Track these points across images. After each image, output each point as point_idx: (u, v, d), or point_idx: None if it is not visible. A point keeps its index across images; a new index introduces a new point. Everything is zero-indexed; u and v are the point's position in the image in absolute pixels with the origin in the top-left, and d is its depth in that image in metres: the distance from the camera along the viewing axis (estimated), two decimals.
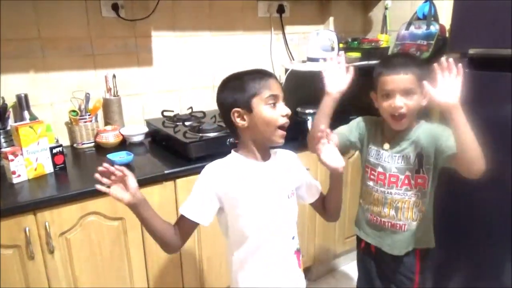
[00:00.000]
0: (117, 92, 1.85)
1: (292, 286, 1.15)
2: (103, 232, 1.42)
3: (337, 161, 1.08)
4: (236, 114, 1.04)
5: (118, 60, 1.87)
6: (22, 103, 1.60)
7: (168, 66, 2.01)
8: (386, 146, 1.32)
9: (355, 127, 1.40)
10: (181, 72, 2.05)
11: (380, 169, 1.33)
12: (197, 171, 1.53)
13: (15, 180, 1.38)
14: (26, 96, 1.62)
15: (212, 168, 1.07)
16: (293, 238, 1.14)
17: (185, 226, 1.05)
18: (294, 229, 1.15)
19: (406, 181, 1.29)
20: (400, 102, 1.20)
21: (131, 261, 1.50)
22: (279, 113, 1.05)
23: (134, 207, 0.98)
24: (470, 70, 1.53)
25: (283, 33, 2.33)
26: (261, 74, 1.06)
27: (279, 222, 1.09)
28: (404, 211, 1.31)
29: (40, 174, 1.45)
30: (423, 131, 1.28)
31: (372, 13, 2.55)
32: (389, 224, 1.34)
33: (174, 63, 2.03)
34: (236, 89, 1.04)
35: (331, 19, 2.45)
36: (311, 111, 1.97)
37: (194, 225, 1.05)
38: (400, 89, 1.20)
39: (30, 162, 1.42)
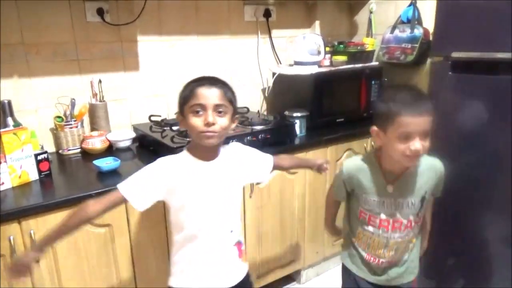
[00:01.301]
0: (103, 97, 1.83)
1: (230, 275, 1.23)
2: (90, 240, 1.40)
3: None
4: (178, 117, 1.17)
5: (103, 65, 1.85)
6: (6, 109, 1.57)
7: (154, 70, 2.00)
8: (390, 188, 1.24)
9: (340, 179, 1.32)
10: (168, 77, 2.04)
11: (383, 216, 1.26)
12: None
13: None
14: (9, 102, 1.59)
15: (164, 161, 1.15)
16: (231, 231, 1.21)
17: (113, 199, 1.11)
18: (234, 223, 1.22)
19: (409, 224, 1.26)
20: (420, 145, 1.11)
21: (119, 269, 1.48)
22: (203, 121, 1.09)
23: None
24: (453, 73, 1.56)
25: (270, 37, 2.34)
26: (196, 83, 1.12)
27: (216, 218, 1.17)
28: (404, 249, 1.31)
29: (24, 182, 1.43)
30: (426, 164, 1.24)
31: (357, 17, 2.58)
32: (387, 262, 1.31)
33: (160, 67, 2.02)
34: (180, 94, 1.15)
35: (317, 22, 2.47)
36: (298, 114, 1.98)
37: (122, 201, 1.12)
38: (421, 132, 1.11)
39: (14, 170, 1.39)
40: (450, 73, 1.56)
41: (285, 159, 1.48)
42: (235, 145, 1.29)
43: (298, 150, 1.90)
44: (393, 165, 1.21)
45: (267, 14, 2.28)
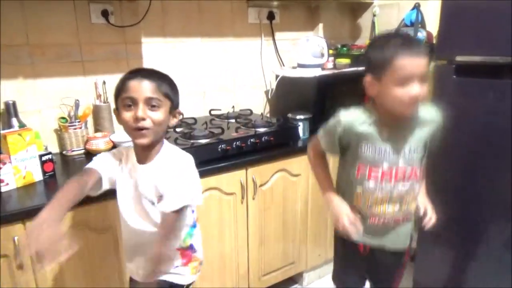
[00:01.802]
0: (107, 99, 1.84)
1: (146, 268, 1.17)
2: (93, 241, 1.40)
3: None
4: (114, 112, 1.15)
5: (107, 66, 1.85)
6: (10, 110, 1.58)
7: None
8: (390, 135, 1.19)
9: (335, 131, 1.23)
10: (172, 78, 2.04)
11: (385, 166, 1.20)
12: None
13: (3, 189, 1.36)
14: (14, 103, 1.59)
15: (120, 148, 1.21)
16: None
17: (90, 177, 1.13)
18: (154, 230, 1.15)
19: (413, 173, 1.22)
20: (419, 89, 1.07)
21: (121, 270, 1.48)
22: (133, 115, 1.05)
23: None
24: (457, 77, 1.56)
25: (273, 39, 2.34)
26: (130, 75, 1.08)
27: (137, 221, 1.15)
28: (408, 204, 1.26)
29: (29, 182, 1.43)
30: (426, 113, 1.20)
31: (360, 20, 2.58)
32: (393, 220, 1.26)
33: (164, 69, 1.97)
34: (115, 86, 1.11)
35: (321, 25, 2.47)
36: (301, 116, 1.99)
37: (93, 171, 1.13)
38: (419, 74, 1.06)
39: (18, 170, 1.40)
40: (454, 76, 1.56)
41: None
42: (181, 158, 1.14)
43: (301, 152, 1.90)
44: (390, 114, 1.15)
45: (270, 16, 2.28)
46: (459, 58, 1.53)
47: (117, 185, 1.18)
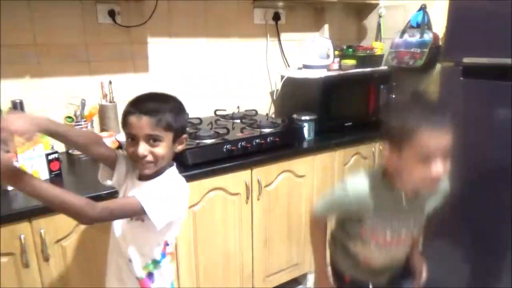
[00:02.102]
0: (113, 99, 1.85)
1: None
2: (98, 240, 1.40)
3: None
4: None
5: (114, 66, 1.86)
6: (17, 109, 1.59)
7: (164, 72, 2.01)
8: (395, 210, 1.11)
9: (342, 204, 1.15)
10: (177, 79, 2.05)
11: (388, 235, 1.14)
12: (194, 178, 1.55)
13: (10, 187, 1.36)
14: (21, 102, 1.60)
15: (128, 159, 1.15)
16: (130, 261, 1.11)
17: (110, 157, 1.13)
18: (134, 254, 1.11)
19: (413, 237, 1.21)
20: (443, 168, 0.95)
21: None
22: (136, 150, 1.03)
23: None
24: (465, 79, 1.55)
25: (279, 40, 2.34)
26: (130, 108, 1.04)
27: (118, 238, 1.13)
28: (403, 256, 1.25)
29: None
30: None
31: (366, 21, 2.58)
32: (387, 265, 1.24)
33: (170, 69, 2.03)
34: None
35: (326, 26, 2.47)
36: (307, 117, 1.98)
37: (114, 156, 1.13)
38: (443, 151, 0.95)
39: (25, 169, 1.40)
40: (461, 78, 1.56)
41: None
42: (170, 183, 1.11)
43: (306, 153, 1.90)
44: (407, 187, 1.07)
45: (276, 17, 2.28)
46: (466, 60, 1.52)
47: (119, 193, 1.18)
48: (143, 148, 1.03)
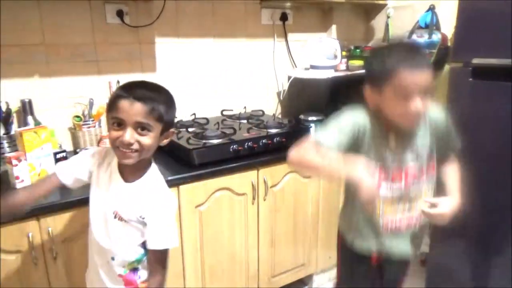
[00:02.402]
0: None
1: None
2: None
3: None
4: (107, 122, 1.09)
5: (121, 66, 1.87)
6: (26, 108, 1.61)
7: (171, 72, 2.01)
8: (393, 141, 1.14)
9: (350, 131, 1.13)
10: (184, 79, 2.06)
11: (394, 168, 1.16)
12: (200, 178, 1.55)
13: (19, 185, 1.37)
14: (30, 101, 1.62)
15: (99, 149, 1.17)
16: (112, 259, 1.11)
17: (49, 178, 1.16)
18: (117, 253, 1.10)
19: (424, 172, 1.18)
20: (421, 105, 1.01)
21: None
22: (119, 137, 0.99)
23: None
24: (474, 80, 1.54)
25: (286, 41, 2.34)
26: (122, 92, 1.00)
27: (99, 236, 1.12)
28: (418, 205, 1.20)
29: None
30: (433, 114, 1.15)
31: (374, 21, 2.56)
32: (405, 225, 1.21)
33: (177, 69, 2.04)
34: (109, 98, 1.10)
35: (334, 27, 2.46)
36: (314, 118, 1.98)
37: (55, 176, 1.14)
38: (421, 89, 1.01)
39: (33, 167, 1.42)
40: (470, 79, 1.54)
41: None
42: (163, 195, 1.11)
43: None
44: (391, 125, 1.10)
45: (283, 17, 2.28)
46: (475, 61, 1.50)
47: (92, 187, 1.14)
48: (130, 135, 0.98)
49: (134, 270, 1.14)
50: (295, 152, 1.15)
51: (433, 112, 1.17)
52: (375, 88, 1.06)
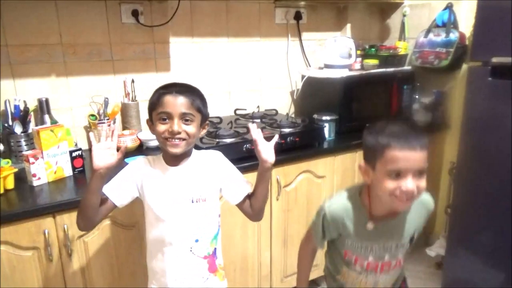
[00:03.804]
0: (135, 97, 1.87)
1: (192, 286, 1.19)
2: (120, 237, 1.43)
3: (269, 155, 1.16)
4: (148, 122, 1.19)
5: (136, 65, 1.89)
6: (43, 107, 1.63)
7: (185, 71, 2.02)
8: (376, 232, 1.10)
9: (320, 224, 1.15)
10: (198, 78, 2.06)
11: (371, 259, 1.15)
12: None
13: (35, 183, 1.40)
14: (47, 100, 1.65)
15: (139, 161, 1.20)
16: (196, 241, 1.17)
17: (102, 203, 1.13)
18: (201, 232, 1.17)
19: (398, 263, 1.18)
20: (413, 185, 0.97)
21: (146, 266, 1.50)
22: (168, 128, 1.09)
23: (104, 174, 1.07)
24: (493, 79, 1.50)
25: (300, 40, 2.33)
26: (164, 90, 1.12)
27: (177, 223, 1.15)
28: (393, 284, 1.24)
29: (59, 177, 1.47)
30: (417, 201, 1.06)
31: (389, 20, 2.53)
32: None
33: (191, 68, 2.04)
34: (149, 100, 1.16)
35: (349, 25, 2.44)
36: (327, 118, 1.96)
37: (110, 203, 1.14)
38: (414, 169, 0.97)
39: (50, 165, 1.44)
40: (489, 78, 1.51)
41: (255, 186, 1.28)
42: (214, 154, 1.25)
43: (327, 154, 1.88)
44: (382, 207, 1.07)
45: (297, 16, 2.27)
46: (495, 60, 1.47)
47: (148, 194, 1.16)
48: (177, 125, 1.09)
49: (214, 250, 1.22)
50: (300, 249, 1.32)
51: (422, 203, 1.13)
52: (369, 163, 1.05)
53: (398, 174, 0.98)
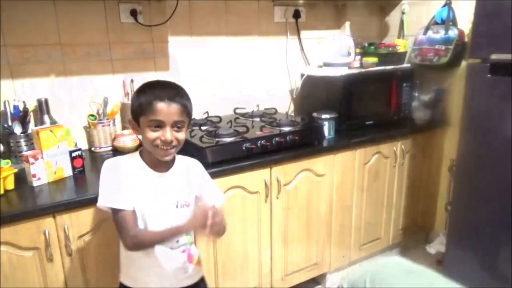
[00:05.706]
0: None
1: (177, 278, 1.21)
2: (117, 237, 1.43)
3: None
4: (130, 122, 1.15)
5: (135, 65, 1.89)
6: (43, 107, 1.63)
7: (184, 71, 2.02)
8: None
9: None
10: (197, 77, 2.06)
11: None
12: (213, 176, 1.55)
13: (35, 183, 1.40)
14: (46, 100, 1.65)
15: (116, 162, 1.16)
16: (177, 241, 1.19)
17: (126, 217, 1.10)
18: (181, 235, 1.18)
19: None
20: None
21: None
22: (160, 137, 1.08)
23: None
24: (492, 76, 1.50)
25: (299, 38, 2.33)
26: (154, 95, 1.08)
27: (159, 228, 1.13)
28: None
29: (59, 178, 1.47)
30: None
31: (388, 18, 2.53)
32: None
33: (190, 67, 2.04)
34: (135, 100, 1.11)
35: (347, 23, 2.44)
36: (327, 116, 1.96)
37: (128, 212, 1.11)
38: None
39: (50, 166, 1.44)
40: (488, 75, 1.51)
41: None
42: (196, 162, 1.27)
43: (326, 152, 1.88)
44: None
45: (296, 15, 2.27)
46: (494, 57, 1.47)
47: (139, 199, 1.13)
48: (170, 134, 1.08)
49: (190, 245, 1.24)
50: None
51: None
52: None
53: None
